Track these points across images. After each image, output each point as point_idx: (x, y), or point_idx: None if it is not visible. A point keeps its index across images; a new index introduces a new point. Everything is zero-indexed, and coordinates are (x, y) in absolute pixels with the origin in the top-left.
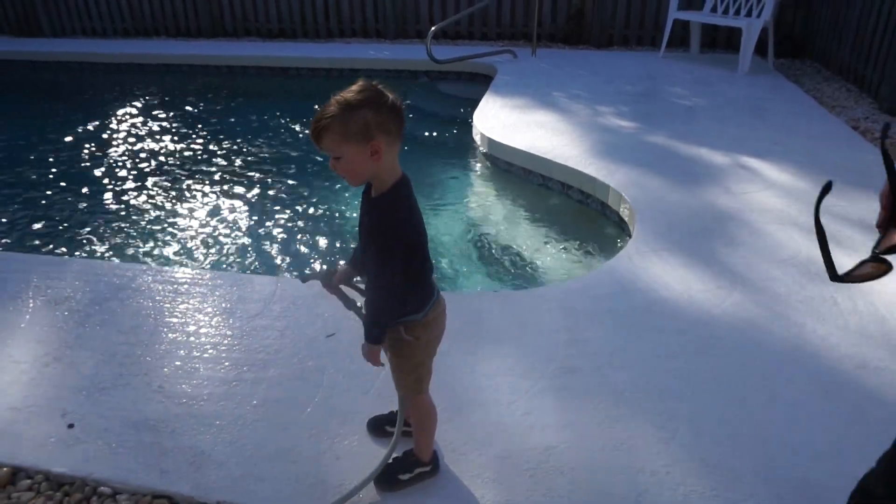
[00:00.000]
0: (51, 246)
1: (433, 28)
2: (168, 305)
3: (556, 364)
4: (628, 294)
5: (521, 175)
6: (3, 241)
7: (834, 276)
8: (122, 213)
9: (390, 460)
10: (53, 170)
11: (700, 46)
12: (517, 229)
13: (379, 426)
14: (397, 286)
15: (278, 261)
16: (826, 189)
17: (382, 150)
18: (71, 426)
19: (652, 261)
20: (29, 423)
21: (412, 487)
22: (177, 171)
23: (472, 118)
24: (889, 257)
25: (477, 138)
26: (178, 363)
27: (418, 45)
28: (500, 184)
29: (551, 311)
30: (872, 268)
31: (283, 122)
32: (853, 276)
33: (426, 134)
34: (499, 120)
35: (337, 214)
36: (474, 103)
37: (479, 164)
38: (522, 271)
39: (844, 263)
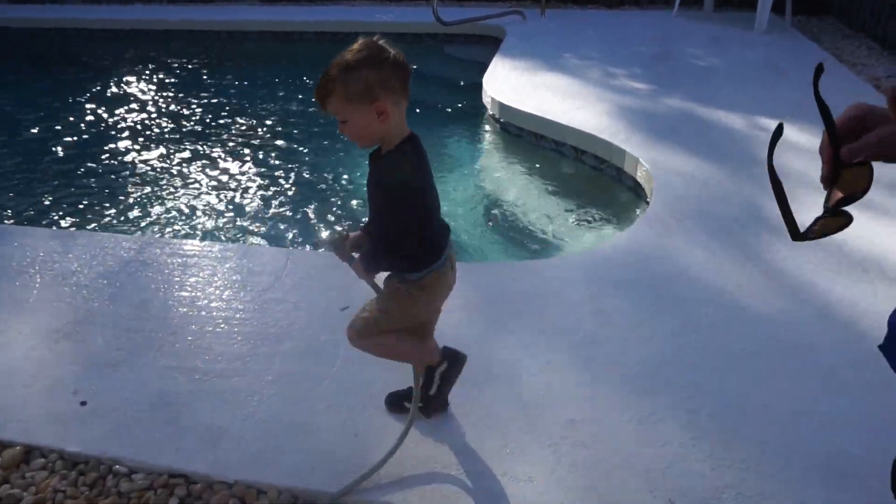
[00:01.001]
0: (55, 217)
1: None
2: (178, 279)
3: (579, 336)
4: (650, 263)
5: (532, 140)
6: (5, 213)
7: (796, 234)
8: (126, 183)
9: (406, 436)
10: (54, 141)
11: (714, 4)
12: (531, 196)
13: (397, 402)
14: (395, 240)
15: (289, 232)
16: (777, 134)
17: (389, 109)
18: (83, 403)
19: (672, 228)
20: (41, 401)
21: (435, 440)
22: (181, 140)
23: (481, 82)
24: (849, 208)
25: (487, 102)
26: (190, 338)
27: (424, 7)
28: (511, 149)
29: (572, 281)
30: (831, 222)
31: (288, 88)
32: (813, 233)
33: (434, 99)
34: (509, 83)
35: (348, 181)
36: (483, 66)
37: (489, 130)
38: (538, 240)
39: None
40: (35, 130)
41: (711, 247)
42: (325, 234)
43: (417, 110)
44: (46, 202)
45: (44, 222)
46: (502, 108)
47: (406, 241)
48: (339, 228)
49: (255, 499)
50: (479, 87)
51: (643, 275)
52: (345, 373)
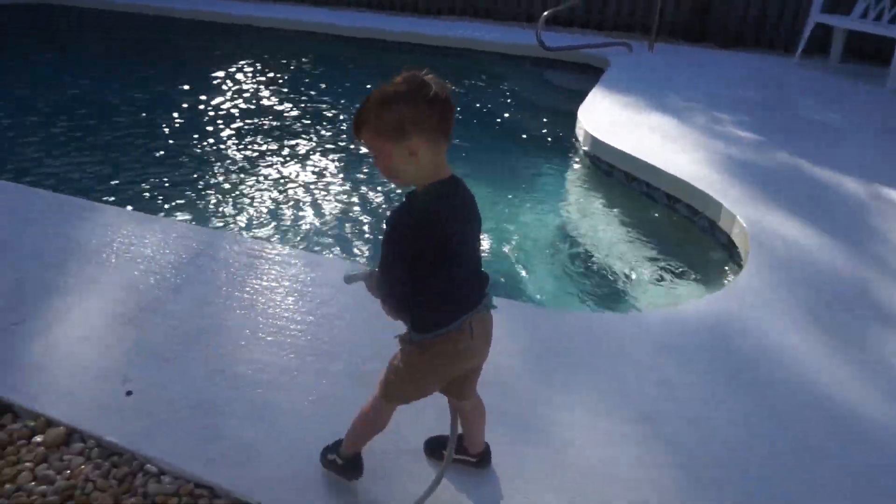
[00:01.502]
0: (136, 199)
1: (546, 13)
2: (241, 279)
3: (642, 407)
4: (731, 336)
5: (623, 180)
6: (94, 190)
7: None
8: (208, 174)
9: (438, 485)
10: (148, 125)
11: (842, 55)
12: (611, 240)
13: (436, 449)
14: (397, 293)
15: (356, 245)
16: None
17: (420, 150)
18: (129, 394)
19: (765, 299)
20: (91, 384)
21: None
22: (269, 138)
23: (576, 112)
24: None
25: (580, 135)
26: (242, 343)
27: (528, 29)
28: (598, 187)
29: (642, 343)
30: None
31: None
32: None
33: (525, 123)
34: (606, 118)
35: None
36: (581, 96)
37: (578, 163)
38: (611, 290)
39: None
40: (130, 113)
41: (807, 327)
42: (355, 268)
43: (501, 135)
44: (130, 183)
45: (126, 204)
46: (595, 142)
47: (396, 292)
48: (368, 268)
49: None
50: (574, 117)
51: (721, 348)
52: None
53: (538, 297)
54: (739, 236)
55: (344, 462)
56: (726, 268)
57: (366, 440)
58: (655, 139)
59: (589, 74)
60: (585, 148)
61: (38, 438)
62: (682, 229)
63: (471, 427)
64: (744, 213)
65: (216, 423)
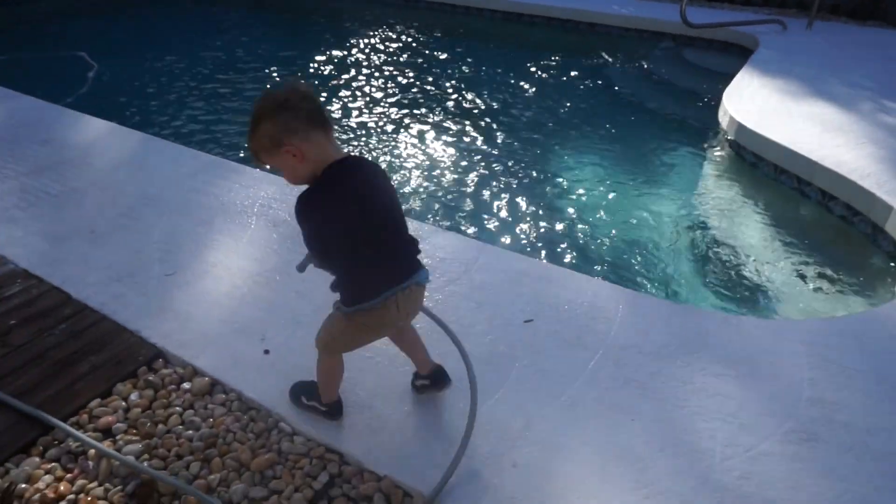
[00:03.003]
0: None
1: None
2: None
3: (792, 424)
4: None
5: (771, 173)
6: (238, 153)
7: None
8: (342, 142)
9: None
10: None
11: None
12: (755, 238)
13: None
14: (327, 266)
15: (487, 224)
16: None
17: (301, 149)
18: (266, 352)
19: None
20: (232, 339)
21: None
22: (401, 108)
23: (720, 96)
24: None
25: (724, 121)
26: None
27: (667, 3)
28: (743, 179)
29: (794, 353)
30: None
31: (508, 72)
32: None
33: (662, 106)
34: (755, 103)
35: (556, 181)
36: (725, 79)
37: (720, 152)
38: (754, 292)
39: None
40: (271, 80)
41: None
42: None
43: (636, 118)
44: None
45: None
46: (741, 130)
47: (328, 270)
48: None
49: (400, 500)
50: (718, 101)
51: (890, 366)
52: (514, 390)
53: (673, 291)
54: None
55: (326, 408)
56: (889, 278)
57: (335, 387)
58: (812, 129)
59: (734, 55)
60: (730, 135)
61: (186, 385)
62: (837, 231)
63: (411, 352)
64: None
65: (349, 390)
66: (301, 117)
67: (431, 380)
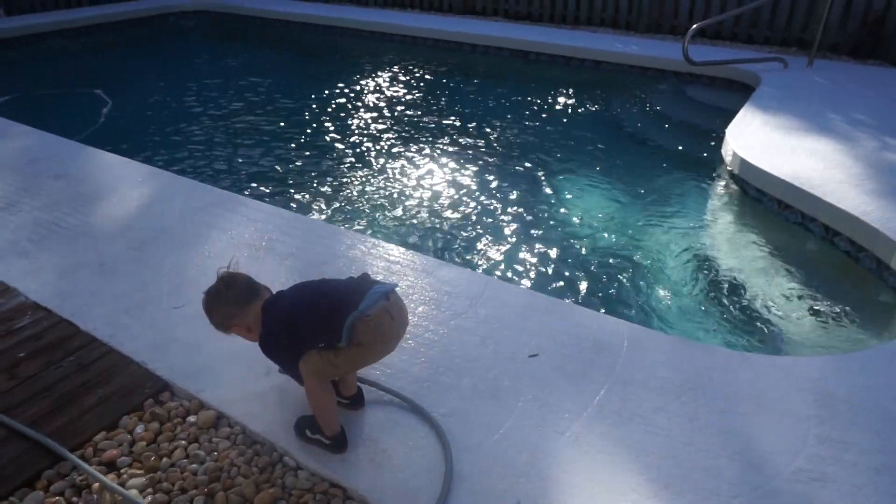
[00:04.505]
0: (282, 196)
1: (695, 26)
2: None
3: (799, 463)
4: None
5: (774, 208)
6: (245, 186)
7: None
8: (349, 176)
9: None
10: (296, 127)
11: None
12: (759, 273)
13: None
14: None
15: (492, 259)
16: None
17: (247, 324)
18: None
19: None
20: (239, 373)
21: None
22: (409, 144)
23: (723, 132)
24: None
25: (727, 156)
26: None
27: (670, 41)
28: (746, 214)
29: (801, 390)
30: None
31: (514, 107)
32: None
33: (666, 142)
34: (757, 139)
35: (561, 215)
36: (728, 115)
37: (723, 187)
38: (760, 330)
39: None
40: (281, 115)
41: None
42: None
43: (641, 153)
44: (277, 181)
45: (273, 198)
46: (745, 165)
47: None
48: None
49: None
50: (720, 137)
51: None
52: (519, 425)
53: (675, 327)
54: None
55: (331, 441)
56: None
57: (334, 416)
58: (815, 164)
59: (736, 91)
60: (732, 170)
61: (192, 418)
62: (842, 267)
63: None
64: None
65: (352, 426)
66: (231, 303)
67: (352, 401)
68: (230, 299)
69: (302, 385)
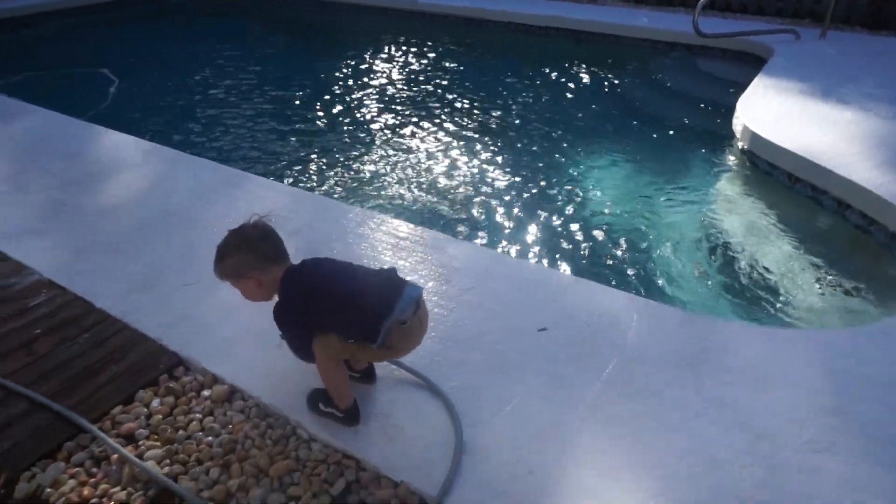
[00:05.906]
0: (290, 174)
1: None
2: (388, 259)
3: (810, 434)
4: None
5: (785, 182)
6: (252, 165)
7: None
8: (360, 155)
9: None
10: (304, 104)
11: None
12: (769, 246)
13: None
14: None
15: (500, 234)
16: None
17: (260, 280)
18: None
19: None
20: (251, 347)
21: None
22: (418, 120)
23: (733, 105)
24: None
25: (737, 130)
26: None
27: (681, 13)
28: (756, 187)
29: (809, 363)
30: None
31: (522, 83)
32: None
33: (676, 115)
34: (769, 112)
35: (570, 190)
36: (739, 87)
37: (733, 160)
38: (773, 302)
39: None
40: (288, 93)
41: None
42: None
43: (649, 129)
44: (284, 159)
45: (283, 177)
46: (756, 138)
47: (344, 330)
48: None
49: None
50: (731, 110)
51: None
52: (528, 399)
53: (684, 299)
54: None
55: (344, 414)
56: None
57: (346, 389)
58: (826, 137)
59: (747, 64)
60: (743, 144)
61: (206, 392)
62: (853, 240)
63: None
64: None
65: (364, 399)
66: (259, 254)
67: (363, 375)
68: (260, 251)
69: (303, 360)
